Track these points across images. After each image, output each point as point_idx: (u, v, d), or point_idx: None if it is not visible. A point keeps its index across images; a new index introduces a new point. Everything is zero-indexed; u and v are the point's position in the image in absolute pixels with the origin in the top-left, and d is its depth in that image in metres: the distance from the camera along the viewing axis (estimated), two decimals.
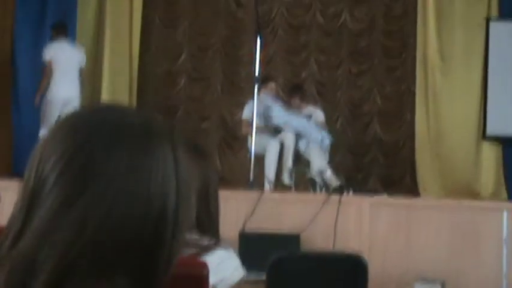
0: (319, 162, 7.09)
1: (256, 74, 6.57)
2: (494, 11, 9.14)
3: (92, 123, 0.96)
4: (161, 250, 0.94)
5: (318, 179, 6.96)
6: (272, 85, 7.70)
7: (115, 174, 0.91)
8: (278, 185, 7.29)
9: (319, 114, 7.77)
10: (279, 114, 7.15)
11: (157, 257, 0.94)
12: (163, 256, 0.94)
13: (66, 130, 0.96)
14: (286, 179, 7.22)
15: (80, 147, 0.93)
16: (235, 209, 5.31)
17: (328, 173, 7.01)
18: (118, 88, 9.18)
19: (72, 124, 0.97)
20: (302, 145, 7.26)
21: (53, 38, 8.10)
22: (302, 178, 8.20)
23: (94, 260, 0.89)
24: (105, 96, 9.04)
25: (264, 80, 7.35)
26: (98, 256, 0.89)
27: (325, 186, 6.91)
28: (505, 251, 5.41)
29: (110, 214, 0.90)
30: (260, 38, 6.64)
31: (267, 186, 6.75)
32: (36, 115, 8.20)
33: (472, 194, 8.65)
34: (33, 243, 0.89)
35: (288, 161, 7.22)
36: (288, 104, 7.81)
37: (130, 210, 0.91)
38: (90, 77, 9.11)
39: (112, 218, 0.90)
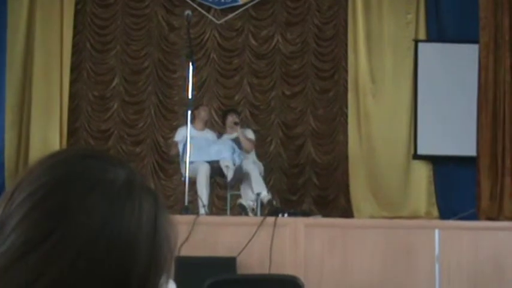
0: (259, 183, 7.15)
1: (189, 97, 6.56)
2: (422, 34, 9.38)
3: (71, 169, 0.89)
4: None
5: (252, 201, 6.98)
6: (204, 109, 7.83)
7: (86, 223, 0.84)
8: (214, 208, 7.28)
9: (248, 133, 7.87)
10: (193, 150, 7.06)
11: None
12: None
13: (43, 169, 0.89)
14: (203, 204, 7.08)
15: (53, 190, 0.86)
16: None
17: (264, 193, 7.05)
18: (49, 114, 9.02)
19: (50, 165, 0.90)
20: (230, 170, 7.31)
21: None
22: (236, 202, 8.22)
23: None
24: (35, 123, 8.89)
25: (195, 107, 7.46)
26: None
27: (261, 206, 6.95)
28: (437, 269, 5.50)
29: (73, 266, 0.82)
30: (192, 62, 6.63)
31: (201, 210, 6.71)
32: None
33: (405, 213, 8.79)
34: None
35: (204, 190, 7.13)
36: (222, 126, 7.95)
37: (97, 265, 0.83)
38: (20, 103, 8.96)
39: (73, 271, 0.82)
